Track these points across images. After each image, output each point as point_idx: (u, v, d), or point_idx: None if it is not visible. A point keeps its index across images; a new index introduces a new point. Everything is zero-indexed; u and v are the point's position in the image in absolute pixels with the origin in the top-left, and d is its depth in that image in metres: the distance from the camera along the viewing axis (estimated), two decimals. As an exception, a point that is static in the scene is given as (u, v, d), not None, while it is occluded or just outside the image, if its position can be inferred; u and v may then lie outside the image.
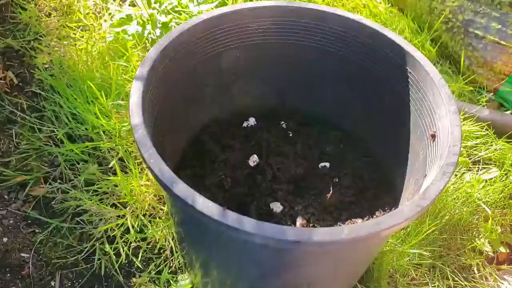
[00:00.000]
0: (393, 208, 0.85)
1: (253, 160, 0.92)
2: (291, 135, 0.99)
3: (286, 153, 0.95)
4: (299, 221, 0.82)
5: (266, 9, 0.85)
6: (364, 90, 0.90)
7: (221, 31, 0.85)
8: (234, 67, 0.90)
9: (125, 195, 1.03)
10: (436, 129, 0.72)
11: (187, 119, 0.92)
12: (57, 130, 1.17)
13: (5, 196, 1.10)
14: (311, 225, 0.83)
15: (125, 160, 1.10)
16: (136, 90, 0.68)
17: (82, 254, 1.00)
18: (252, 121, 1.00)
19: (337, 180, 0.91)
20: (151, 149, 0.60)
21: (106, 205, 1.04)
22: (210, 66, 0.88)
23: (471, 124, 1.24)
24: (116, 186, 1.07)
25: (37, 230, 1.05)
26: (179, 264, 0.99)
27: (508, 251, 1.09)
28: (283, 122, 1.01)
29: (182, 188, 0.56)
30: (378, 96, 0.88)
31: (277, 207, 0.84)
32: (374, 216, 0.84)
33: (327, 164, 0.93)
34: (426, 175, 0.70)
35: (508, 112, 1.34)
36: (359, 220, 0.84)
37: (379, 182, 0.91)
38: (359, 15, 0.86)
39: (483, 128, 1.24)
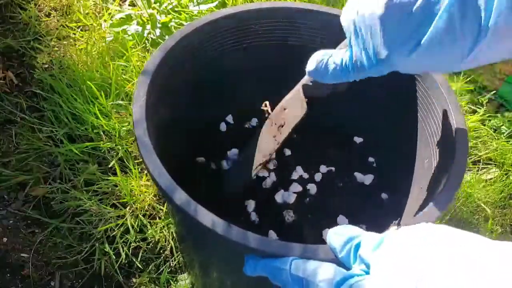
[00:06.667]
0: (397, 217, 0.84)
1: (253, 160, 0.92)
2: (293, 136, 0.99)
3: (287, 155, 0.95)
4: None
5: (270, 10, 0.85)
6: (368, 95, 0.89)
7: (225, 32, 0.84)
8: (237, 68, 0.90)
9: (125, 195, 1.03)
10: (442, 137, 0.71)
11: (189, 119, 0.92)
12: (56, 130, 1.17)
13: (5, 196, 1.10)
14: (314, 230, 0.82)
15: (125, 160, 1.10)
16: (140, 88, 0.67)
17: (82, 254, 1.00)
18: (254, 122, 0.99)
19: (340, 184, 0.90)
20: (150, 147, 0.60)
21: (106, 205, 1.04)
22: (213, 68, 0.87)
23: (471, 122, 1.24)
24: (116, 186, 1.07)
25: (36, 230, 1.04)
26: (179, 264, 0.99)
27: (508, 251, 1.09)
28: (284, 124, 1.01)
29: (182, 198, 0.54)
30: (383, 101, 0.87)
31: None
32: (378, 224, 0.83)
33: (331, 169, 0.93)
34: (431, 183, 0.69)
35: (508, 111, 1.34)
36: (364, 227, 0.83)
37: (382, 188, 0.90)
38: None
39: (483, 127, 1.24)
